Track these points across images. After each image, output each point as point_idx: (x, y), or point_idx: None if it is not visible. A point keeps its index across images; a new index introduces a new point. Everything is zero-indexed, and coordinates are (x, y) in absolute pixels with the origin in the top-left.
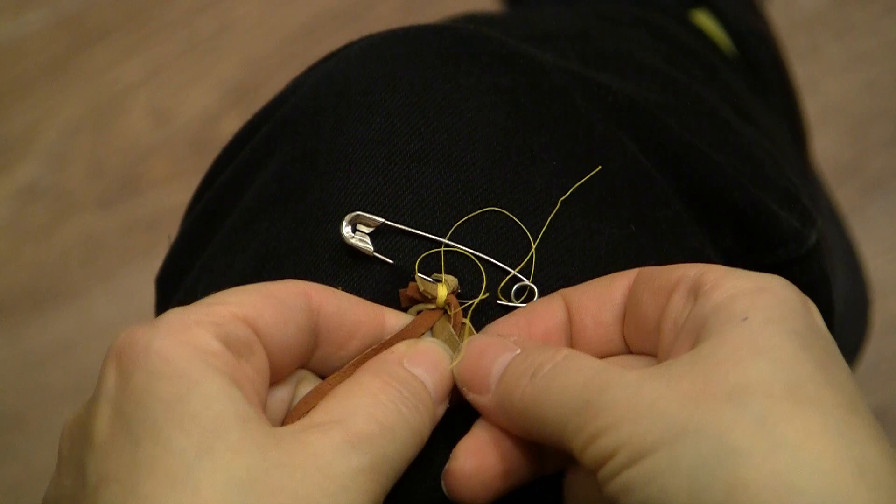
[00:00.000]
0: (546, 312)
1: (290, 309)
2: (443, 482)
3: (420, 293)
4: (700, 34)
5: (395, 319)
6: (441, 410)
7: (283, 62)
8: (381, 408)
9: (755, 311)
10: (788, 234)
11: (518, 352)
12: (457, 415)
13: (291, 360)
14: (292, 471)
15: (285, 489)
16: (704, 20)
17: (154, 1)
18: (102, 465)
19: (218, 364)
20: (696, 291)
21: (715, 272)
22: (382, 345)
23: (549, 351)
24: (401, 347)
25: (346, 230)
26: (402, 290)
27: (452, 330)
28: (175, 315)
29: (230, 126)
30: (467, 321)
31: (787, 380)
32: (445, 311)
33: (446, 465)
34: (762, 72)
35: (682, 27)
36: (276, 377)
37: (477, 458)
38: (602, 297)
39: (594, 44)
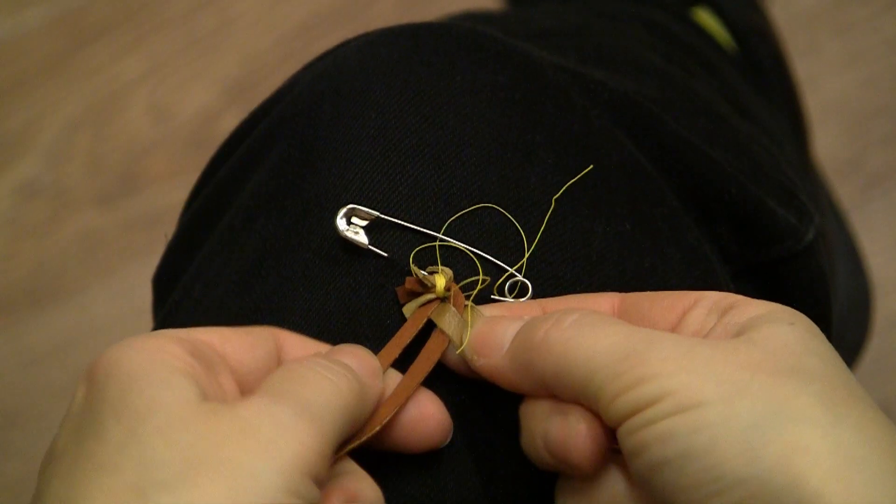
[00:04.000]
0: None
1: (255, 335)
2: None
3: (419, 283)
4: (700, 31)
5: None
6: (376, 385)
7: (282, 59)
8: (302, 371)
9: (800, 322)
10: (785, 231)
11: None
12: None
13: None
14: (217, 439)
15: (208, 458)
16: (705, 17)
17: None
18: (52, 469)
19: (175, 363)
20: (722, 308)
21: (733, 295)
22: (390, 345)
23: (570, 308)
24: (322, 353)
25: (341, 223)
26: (398, 288)
27: (454, 309)
28: (144, 334)
29: (229, 123)
30: (470, 303)
31: (841, 377)
32: (444, 301)
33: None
34: (763, 69)
35: (682, 24)
36: None
37: None
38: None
39: (592, 41)
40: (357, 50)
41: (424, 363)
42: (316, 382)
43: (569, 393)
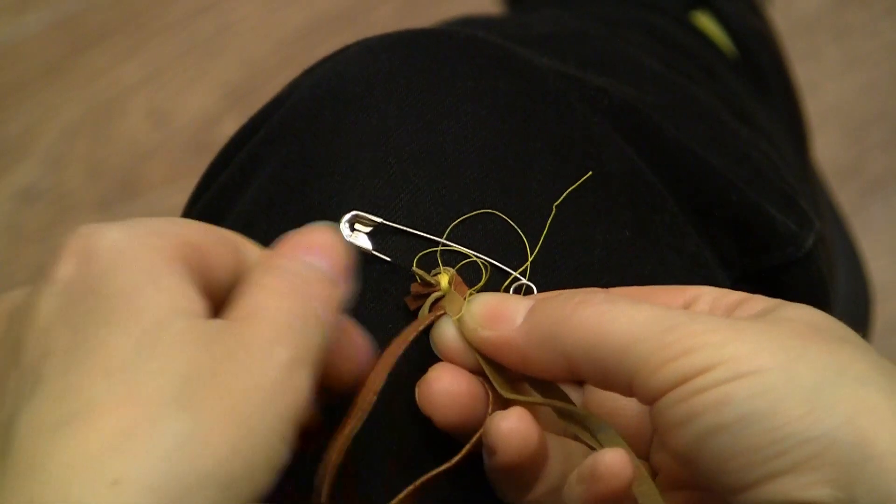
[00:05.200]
0: None
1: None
2: (417, 391)
3: (423, 284)
4: (700, 36)
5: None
6: (344, 290)
7: (282, 64)
8: (288, 302)
9: (817, 310)
10: (786, 238)
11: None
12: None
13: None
14: (230, 366)
15: (223, 386)
16: (705, 22)
17: (153, 3)
18: (42, 342)
19: (174, 265)
20: (728, 304)
21: (735, 293)
22: (396, 342)
23: (595, 289)
24: (290, 241)
25: (345, 229)
26: (406, 298)
27: (457, 293)
28: (140, 220)
29: (229, 128)
30: (472, 291)
31: (877, 355)
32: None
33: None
34: (763, 73)
35: (681, 29)
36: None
37: (453, 373)
38: None
39: (592, 46)
40: (357, 55)
41: (412, 329)
42: (307, 318)
43: (597, 368)
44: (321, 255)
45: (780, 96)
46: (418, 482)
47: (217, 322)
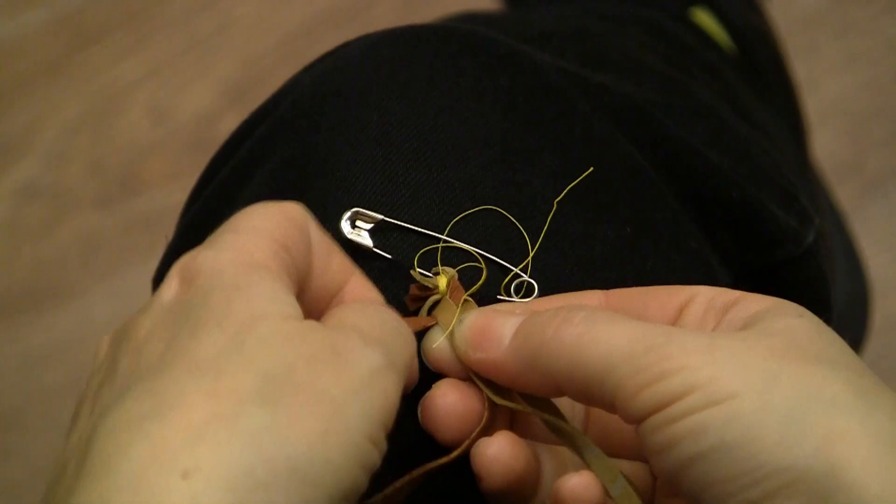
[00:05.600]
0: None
1: (304, 232)
2: (420, 409)
3: (420, 287)
4: (700, 32)
5: (359, 284)
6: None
7: (282, 61)
8: (378, 318)
9: (807, 315)
10: (786, 234)
11: (525, 316)
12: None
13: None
14: (316, 367)
15: (308, 384)
16: (705, 18)
17: (153, 0)
18: (135, 357)
19: (275, 275)
20: (722, 305)
21: (731, 292)
22: None
23: (574, 304)
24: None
25: (346, 226)
26: (406, 298)
27: (451, 302)
28: (231, 236)
29: (229, 125)
30: (466, 296)
31: (860, 365)
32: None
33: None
34: (762, 70)
35: (681, 25)
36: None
37: (456, 391)
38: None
39: (593, 43)
40: (358, 52)
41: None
42: (396, 335)
43: (580, 390)
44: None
45: (779, 93)
46: (413, 473)
47: (310, 323)
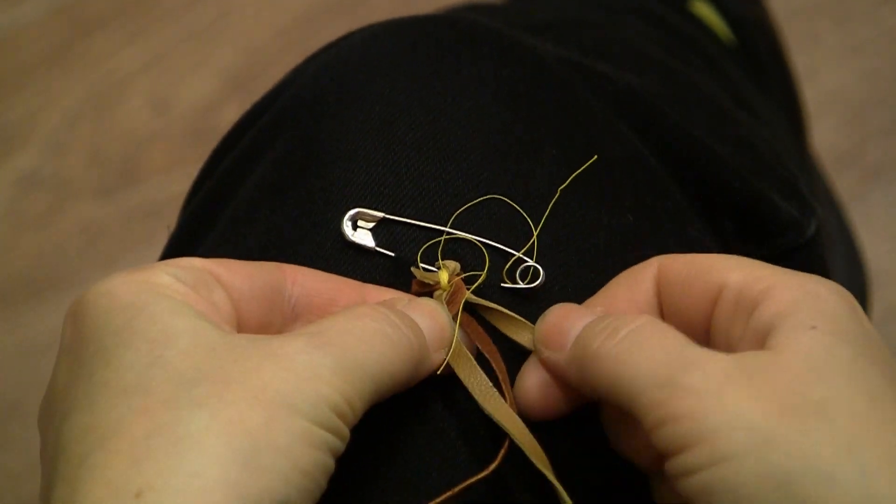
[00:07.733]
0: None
1: (255, 266)
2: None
3: (421, 284)
4: (699, 23)
5: (376, 294)
6: (437, 359)
7: (283, 50)
8: (360, 323)
9: (821, 320)
10: (787, 224)
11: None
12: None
13: (260, 313)
14: (248, 364)
15: (243, 381)
16: (703, 9)
17: None
18: (62, 405)
19: (167, 291)
20: (747, 302)
21: (758, 275)
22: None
23: (629, 315)
24: (401, 301)
25: (347, 228)
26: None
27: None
28: (128, 270)
29: (230, 114)
30: (468, 293)
31: (868, 396)
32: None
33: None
34: (761, 61)
35: (680, 16)
36: (245, 329)
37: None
38: (632, 293)
39: (594, 33)
40: (361, 42)
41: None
42: (370, 339)
43: (621, 406)
44: (425, 315)
45: (777, 84)
46: (455, 489)
47: (238, 336)
